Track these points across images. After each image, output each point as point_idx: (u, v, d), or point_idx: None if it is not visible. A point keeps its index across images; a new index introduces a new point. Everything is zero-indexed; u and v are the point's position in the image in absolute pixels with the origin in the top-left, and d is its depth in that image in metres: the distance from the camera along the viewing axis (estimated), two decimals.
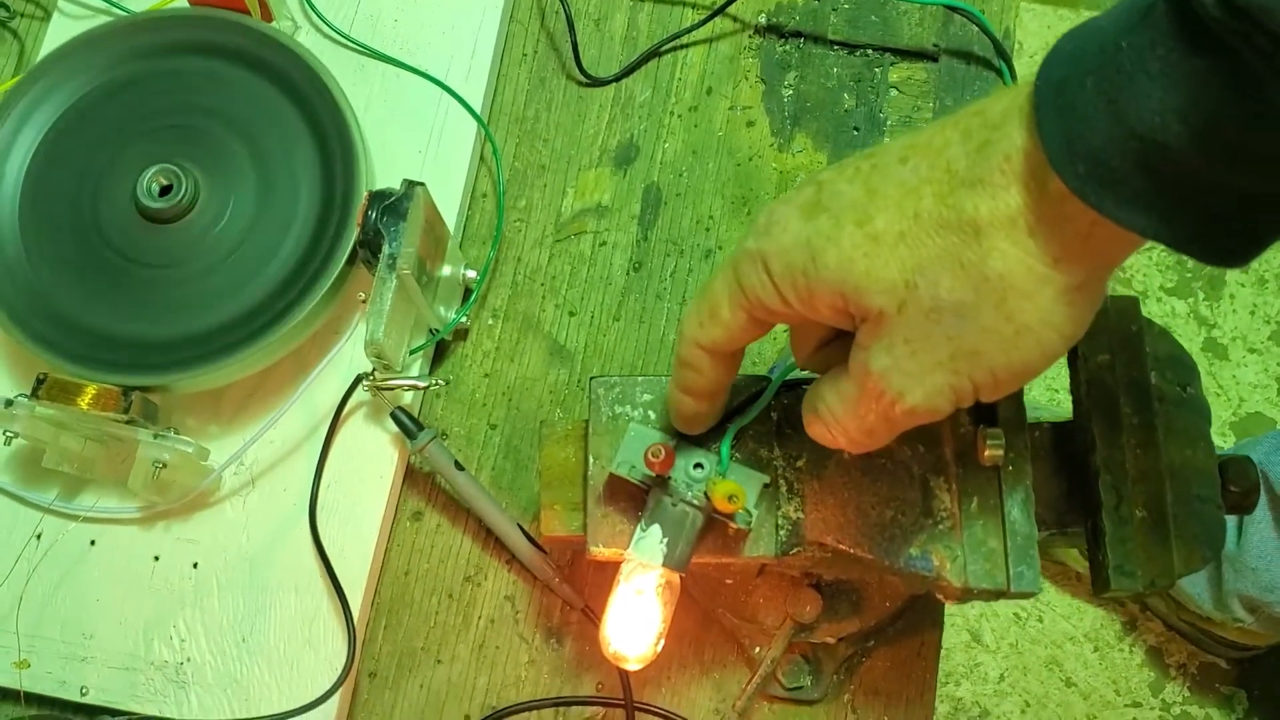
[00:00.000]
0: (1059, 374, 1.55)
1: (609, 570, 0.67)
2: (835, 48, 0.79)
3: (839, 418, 0.47)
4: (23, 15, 0.82)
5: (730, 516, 0.52)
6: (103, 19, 0.78)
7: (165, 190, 0.67)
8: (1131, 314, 0.55)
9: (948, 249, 0.40)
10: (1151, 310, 1.60)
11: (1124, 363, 0.54)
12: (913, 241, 0.41)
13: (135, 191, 0.67)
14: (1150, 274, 1.62)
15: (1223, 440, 1.56)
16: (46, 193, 0.69)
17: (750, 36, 0.79)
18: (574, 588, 0.68)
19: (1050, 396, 1.54)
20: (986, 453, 0.51)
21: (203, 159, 0.68)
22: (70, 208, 0.68)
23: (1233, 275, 1.61)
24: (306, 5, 0.77)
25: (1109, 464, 0.53)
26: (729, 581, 0.65)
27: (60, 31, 0.78)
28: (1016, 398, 0.53)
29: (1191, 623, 1.44)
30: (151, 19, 0.73)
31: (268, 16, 0.73)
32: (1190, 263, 1.61)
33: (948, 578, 0.51)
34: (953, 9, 0.77)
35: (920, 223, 0.41)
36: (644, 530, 0.54)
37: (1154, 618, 1.50)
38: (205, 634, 0.67)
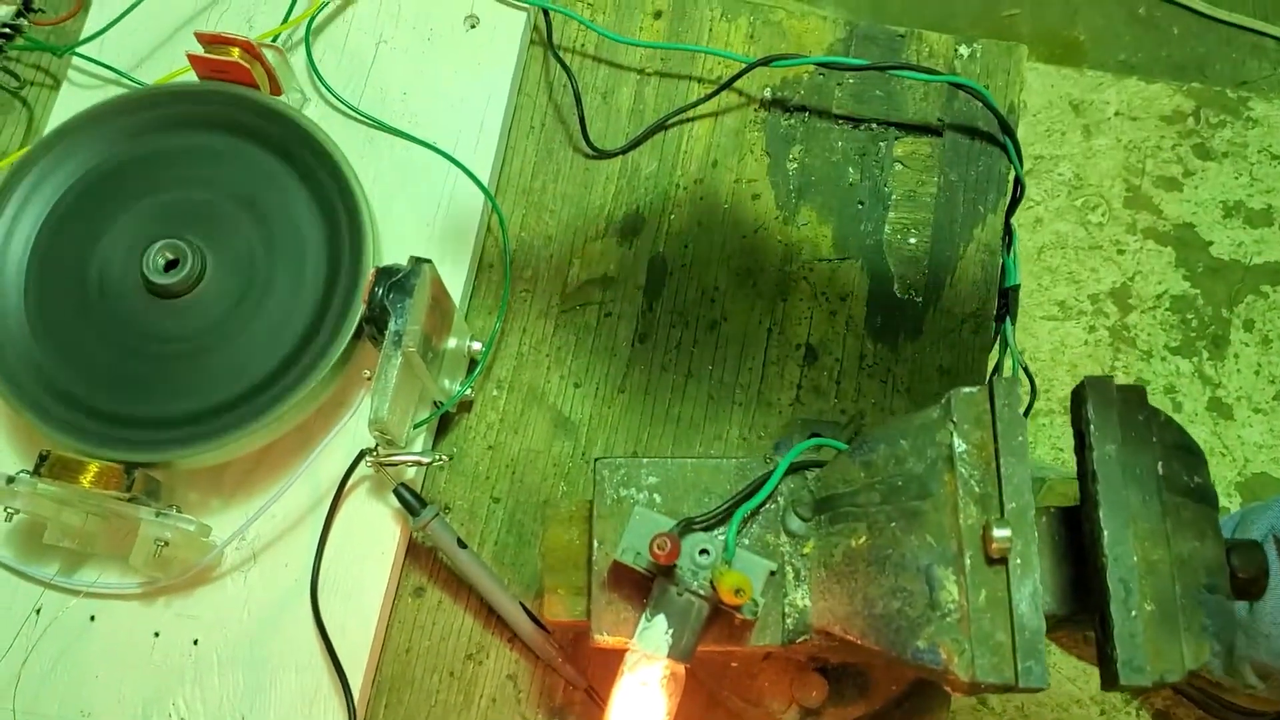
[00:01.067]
0: (1065, 433, 1.54)
1: (613, 650, 0.67)
2: (840, 122, 0.79)
3: None
4: (32, 84, 0.83)
5: (736, 609, 0.52)
6: (112, 89, 0.78)
7: (171, 265, 0.67)
8: (1139, 403, 0.55)
9: None
10: (1156, 369, 1.60)
11: (1131, 452, 0.54)
12: None
13: (141, 266, 0.67)
14: (1155, 333, 1.61)
15: (1228, 500, 1.55)
16: (53, 265, 0.69)
17: (755, 111, 0.80)
18: (577, 667, 0.68)
19: (1055, 455, 1.54)
20: (994, 545, 0.51)
21: (210, 233, 0.68)
22: (76, 281, 0.68)
23: (1237, 335, 1.60)
24: (315, 78, 0.77)
25: (1116, 556, 0.52)
26: (734, 664, 0.64)
27: (69, 101, 0.78)
28: (1025, 490, 0.52)
29: (1200, 687, 1.43)
30: (160, 93, 0.73)
31: (276, 90, 0.73)
32: (1195, 321, 1.61)
33: (955, 671, 0.51)
34: (957, 85, 0.77)
35: None
36: (649, 620, 0.54)
37: None
38: (205, 712, 0.66)
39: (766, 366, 0.75)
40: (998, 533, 0.51)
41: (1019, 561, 0.51)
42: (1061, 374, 1.59)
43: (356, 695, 0.65)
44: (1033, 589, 0.51)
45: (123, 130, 0.71)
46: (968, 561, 0.52)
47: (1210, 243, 1.64)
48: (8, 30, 0.81)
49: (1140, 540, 0.53)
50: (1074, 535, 0.57)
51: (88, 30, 0.80)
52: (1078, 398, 0.57)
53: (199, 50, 0.71)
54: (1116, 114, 1.70)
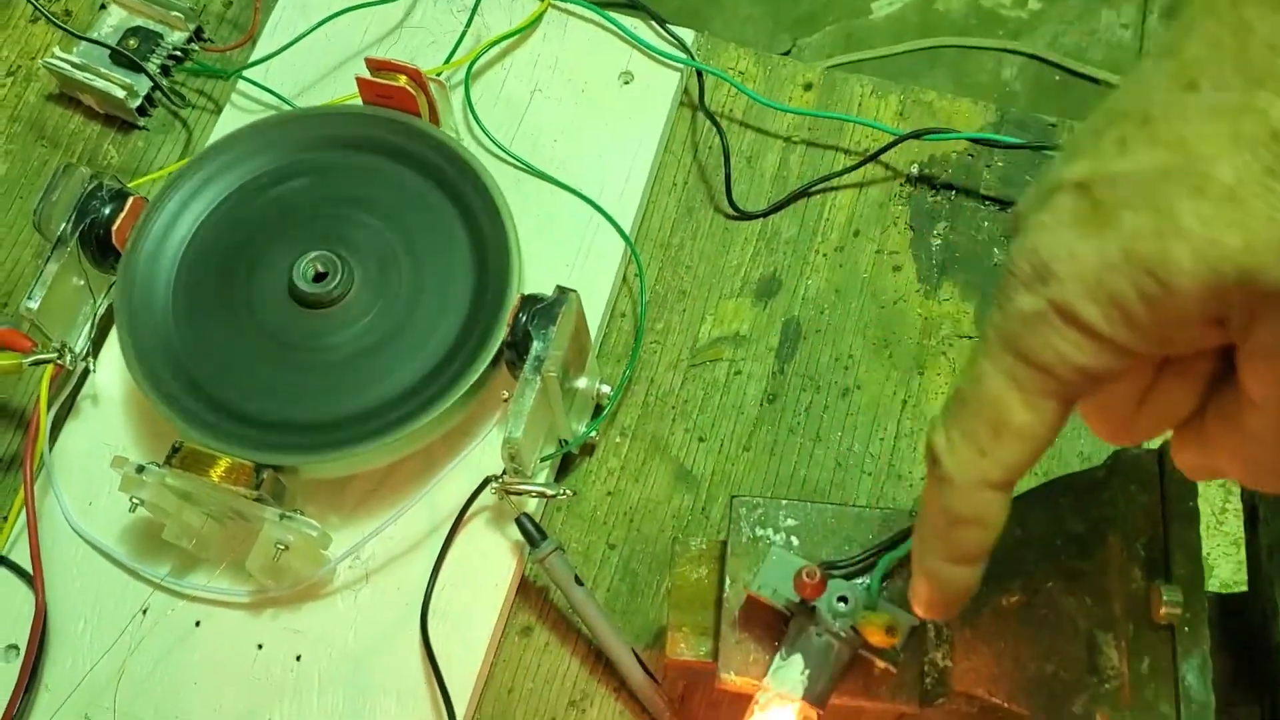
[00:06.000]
0: None
1: (723, 709, 0.64)
2: (987, 203, 0.78)
3: (1262, 460, 0.35)
4: (194, 107, 0.85)
5: (882, 652, 0.50)
6: (273, 114, 0.80)
7: (320, 276, 0.68)
8: None
9: None
10: None
11: None
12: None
13: (290, 275, 0.67)
14: None
15: None
16: (203, 268, 0.70)
17: (901, 185, 0.79)
18: None
19: None
20: (1162, 610, 0.48)
21: (360, 250, 0.69)
22: (224, 284, 0.69)
23: None
24: (471, 118, 0.79)
25: None
26: None
27: (230, 122, 0.80)
28: (1195, 556, 0.50)
29: None
30: (323, 113, 0.75)
31: (435, 121, 0.74)
32: None
33: None
34: None
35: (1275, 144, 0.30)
36: (784, 659, 0.51)
37: None
38: None
39: (899, 439, 0.73)
40: (1167, 597, 0.48)
41: (1187, 630, 0.48)
42: None
43: None
44: (1201, 660, 0.48)
45: (288, 143, 0.72)
46: (1130, 626, 0.49)
47: None
48: (178, 54, 0.84)
49: None
50: (1236, 623, 0.53)
51: (254, 57, 0.82)
52: None
53: (365, 77, 0.73)
54: None
